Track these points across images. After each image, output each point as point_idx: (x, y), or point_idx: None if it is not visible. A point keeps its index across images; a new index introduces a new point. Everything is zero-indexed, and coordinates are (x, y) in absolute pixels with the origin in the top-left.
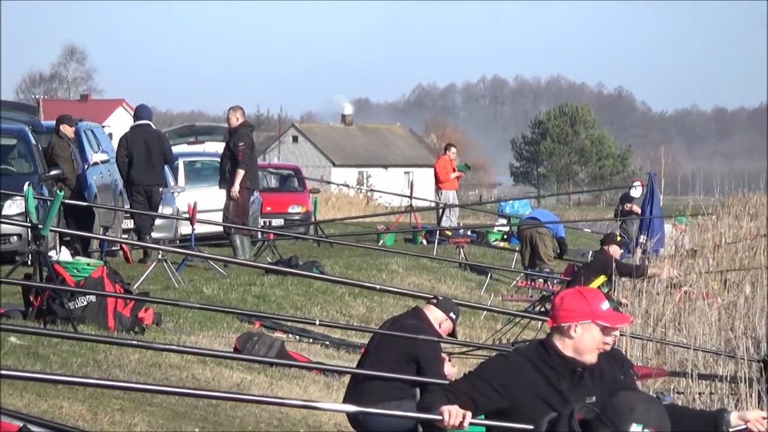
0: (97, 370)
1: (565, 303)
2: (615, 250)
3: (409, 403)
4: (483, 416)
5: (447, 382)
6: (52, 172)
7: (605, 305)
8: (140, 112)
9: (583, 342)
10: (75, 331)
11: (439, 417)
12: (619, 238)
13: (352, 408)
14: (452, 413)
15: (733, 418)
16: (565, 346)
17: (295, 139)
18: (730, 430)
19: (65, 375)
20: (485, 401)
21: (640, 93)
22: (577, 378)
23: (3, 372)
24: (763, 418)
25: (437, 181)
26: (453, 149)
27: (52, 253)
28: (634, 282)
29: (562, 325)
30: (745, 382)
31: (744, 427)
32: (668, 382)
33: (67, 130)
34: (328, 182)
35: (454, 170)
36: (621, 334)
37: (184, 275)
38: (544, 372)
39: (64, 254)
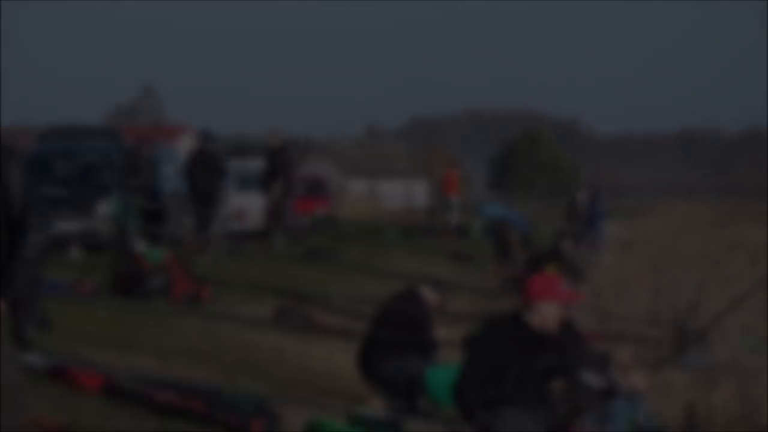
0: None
1: (532, 284)
2: (567, 244)
3: (407, 359)
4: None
5: (435, 342)
6: (133, 183)
7: (562, 287)
8: (202, 135)
9: (542, 316)
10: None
11: None
12: (571, 234)
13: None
14: None
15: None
16: (530, 319)
17: (319, 155)
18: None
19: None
20: (492, 367)
21: (588, 121)
22: (541, 346)
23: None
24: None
25: (448, 187)
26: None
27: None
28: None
29: (528, 302)
30: (667, 344)
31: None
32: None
33: (145, 150)
34: (346, 190)
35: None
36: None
37: (234, 261)
38: (518, 339)
39: (142, 245)
